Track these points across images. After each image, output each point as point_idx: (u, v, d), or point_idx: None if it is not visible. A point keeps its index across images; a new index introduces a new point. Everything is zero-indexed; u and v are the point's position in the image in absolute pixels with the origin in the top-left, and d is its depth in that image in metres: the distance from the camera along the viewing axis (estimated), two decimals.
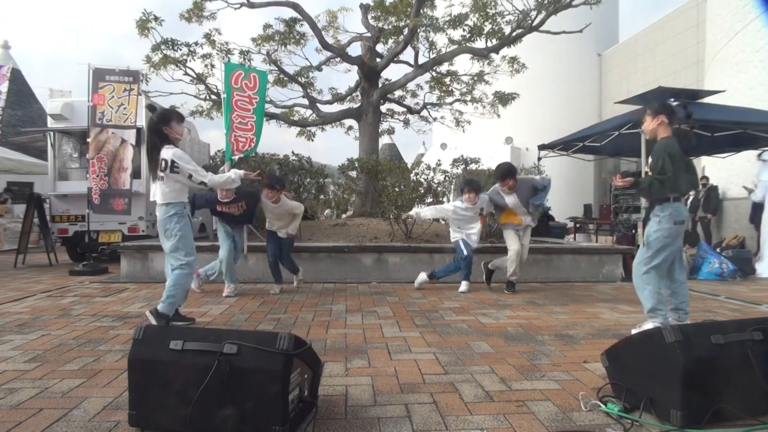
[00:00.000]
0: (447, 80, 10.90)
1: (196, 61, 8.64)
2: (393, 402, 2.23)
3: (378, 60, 9.87)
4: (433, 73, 10.51)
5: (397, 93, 11.07)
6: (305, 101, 10.40)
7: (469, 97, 10.80)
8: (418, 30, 8.69)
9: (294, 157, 7.88)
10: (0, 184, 10.94)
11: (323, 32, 9.79)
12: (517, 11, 8.58)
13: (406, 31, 8.86)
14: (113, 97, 6.49)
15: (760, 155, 7.53)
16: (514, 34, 8.52)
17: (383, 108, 10.61)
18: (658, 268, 3.31)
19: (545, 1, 7.98)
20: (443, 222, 6.54)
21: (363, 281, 5.93)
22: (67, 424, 1.99)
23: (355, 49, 10.47)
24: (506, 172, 5.11)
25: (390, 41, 10.15)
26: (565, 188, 13.93)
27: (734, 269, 6.47)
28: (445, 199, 7.47)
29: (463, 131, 11.62)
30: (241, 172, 3.88)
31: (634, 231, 7.83)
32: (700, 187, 9.37)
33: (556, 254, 6.29)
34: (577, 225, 11.26)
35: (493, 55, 9.32)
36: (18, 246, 8.05)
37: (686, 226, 3.43)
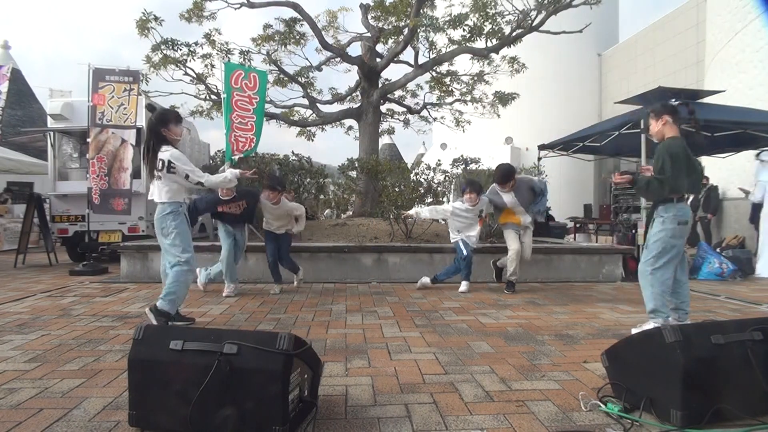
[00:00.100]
0: (447, 80, 10.89)
1: (196, 61, 8.64)
2: (393, 402, 2.23)
3: (378, 60, 9.87)
4: (433, 73, 10.51)
5: (397, 93, 11.07)
6: (305, 101, 10.40)
7: (469, 97, 10.79)
8: (418, 30, 8.69)
9: (294, 157, 7.88)
10: (0, 184, 10.94)
11: (323, 32, 9.79)
12: (517, 11, 8.57)
13: (406, 31, 8.86)
14: (113, 97, 6.49)
15: (758, 155, 7.53)
16: (514, 34, 8.52)
17: (383, 108, 10.61)
18: (663, 269, 3.30)
19: (545, 1, 7.98)
20: (443, 222, 6.54)
21: (363, 281, 5.93)
22: (67, 424, 1.99)
23: (355, 49, 10.49)
24: (507, 175, 5.10)
25: (390, 41, 10.15)
26: (565, 188, 13.93)
27: (734, 269, 6.47)
28: (445, 199, 7.47)
29: (463, 131, 11.62)
30: (237, 171, 3.88)
31: (634, 231, 7.82)
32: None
33: (556, 254, 6.29)
34: (577, 225, 11.26)
35: (493, 55, 9.32)
36: (18, 246, 8.05)
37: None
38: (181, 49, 8.32)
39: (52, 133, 7.81)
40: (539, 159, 8.61)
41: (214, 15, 9.05)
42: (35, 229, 8.29)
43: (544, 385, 2.45)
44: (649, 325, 3.27)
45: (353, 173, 8.52)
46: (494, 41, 8.70)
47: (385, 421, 2.03)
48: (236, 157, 5.86)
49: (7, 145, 11.99)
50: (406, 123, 12.31)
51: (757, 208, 7.70)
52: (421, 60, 9.52)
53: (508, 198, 5.15)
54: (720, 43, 9.96)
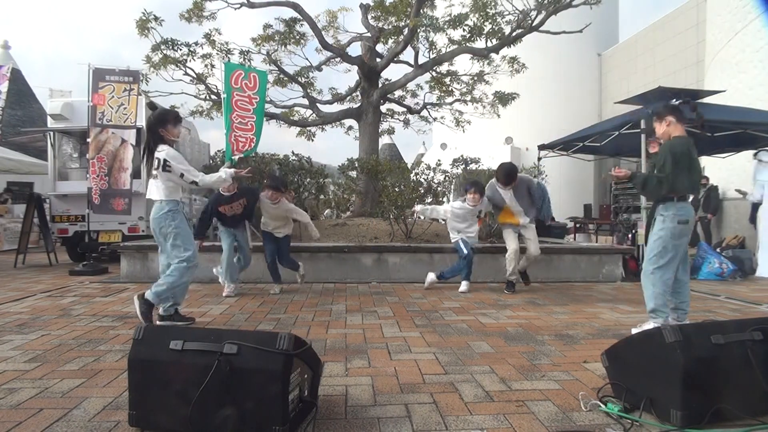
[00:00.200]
0: (447, 80, 10.89)
1: (196, 61, 8.65)
2: (393, 402, 2.23)
3: (378, 60, 9.86)
4: (433, 73, 10.51)
5: (397, 93, 11.07)
6: (305, 101, 10.40)
7: (469, 97, 10.79)
8: (418, 30, 8.69)
9: (294, 157, 7.88)
10: (0, 184, 10.94)
11: (323, 32, 9.79)
12: (517, 11, 8.57)
13: (406, 31, 8.86)
14: (113, 97, 6.49)
15: (755, 155, 7.53)
16: (514, 34, 8.52)
17: (383, 108, 10.61)
18: (664, 269, 3.29)
19: (545, 1, 7.98)
20: (443, 222, 6.54)
21: (363, 281, 5.93)
22: (67, 424, 1.99)
23: (355, 49, 10.48)
24: (510, 175, 5.08)
25: (390, 41, 10.15)
26: (565, 188, 13.91)
27: (734, 269, 6.47)
28: (444, 199, 7.48)
29: (463, 131, 11.62)
30: (231, 170, 3.88)
31: (634, 231, 7.82)
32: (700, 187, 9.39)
33: (556, 254, 6.29)
34: (577, 225, 11.26)
35: (493, 55, 9.31)
36: (18, 246, 8.05)
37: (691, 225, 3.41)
38: (181, 49, 8.32)
39: (52, 133, 7.81)
40: (539, 159, 8.61)
41: (214, 15, 9.05)
42: (35, 229, 8.29)
43: (544, 385, 2.45)
44: (649, 325, 3.27)
45: (353, 173, 8.53)
46: (494, 41, 8.70)
47: (385, 421, 2.03)
48: (236, 157, 5.86)
49: (7, 145, 11.99)
50: (406, 123, 12.31)
51: (756, 207, 7.70)
52: (421, 60, 9.52)
53: (507, 196, 5.16)
54: (720, 43, 9.96)
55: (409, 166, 9.01)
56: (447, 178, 7.46)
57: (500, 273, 5.55)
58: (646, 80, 13.89)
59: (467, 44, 9.03)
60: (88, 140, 6.48)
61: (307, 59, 10.90)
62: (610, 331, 3.59)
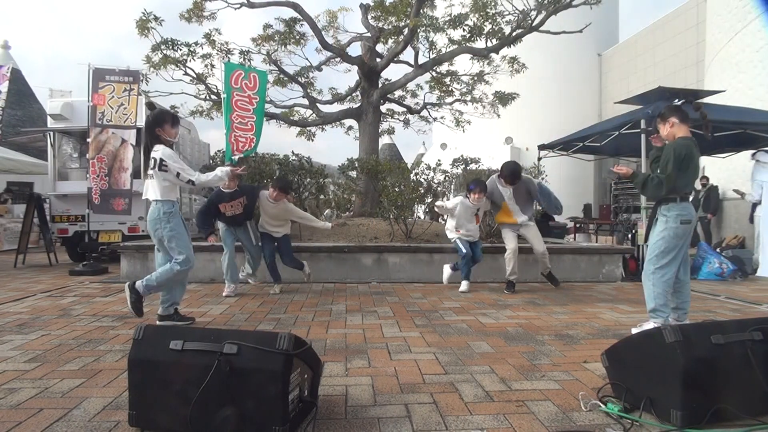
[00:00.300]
0: (447, 80, 10.89)
1: (196, 61, 8.63)
2: (393, 402, 2.22)
3: (378, 60, 9.86)
4: (433, 73, 10.51)
5: (397, 93, 11.06)
6: (305, 101, 10.40)
7: (469, 97, 10.79)
8: (418, 30, 8.68)
9: (294, 157, 7.88)
10: (0, 184, 10.94)
11: (323, 32, 9.78)
12: (517, 11, 8.57)
13: (406, 31, 8.85)
14: (113, 97, 6.49)
15: (753, 155, 7.53)
16: (514, 34, 8.52)
17: (383, 108, 10.60)
18: (665, 269, 3.29)
19: (545, 1, 7.97)
20: (443, 221, 6.53)
21: (363, 281, 5.93)
22: (67, 424, 1.99)
23: (355, 49, 10.48)
24: (514, 175, 5.09)
25: (390, 41, 10.15)
26: (565, 188, 13.89)
27: (734, 269, 6.47)
28: (444, 199, 7.47)
29: (463, 131, 11.62)
30: (227, 169, 3.87)
31: (633, 231, 7.83)
32: (700, 187, 9.38)
33: (556, 254, 6.29)
34: (577, 225, 11.26)
35: (493, 55, 9.31)
36: (18, 246, 8.05)
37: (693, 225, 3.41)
38: (181, 49, 8.31)
39: (52, 133, 7.80)
40: (539, 159, 8.61)
41: (214, 15, 9.05)
42: (35, 229, 8.29)
43: (544, 385, 2.45)
44: (649, 325, 3.26)
45: (353, 173, 8.52)
46: (494, 41, 8.70)
47: (385, 421, 2.03)
48: (236, 157, 5.87)
49: (7, 145, 11.98)
50: (406, 123, 12.31)
51: (755, 207, 7.70)
52: (421, 60, 9.52)
53: (506, 193, 5.18)
54: (720, 43, 9.96)
55: (409, 166, 9.00)
56: (447, 178, 7.46)
57: (500, 273, 5.56)
58: (646, 80, 13.91)
59: (467, 44, 9.03)
60: (88, 140, 6.48)
61: (307, 59, 10.94)
62: (610, 331, 3.59)
